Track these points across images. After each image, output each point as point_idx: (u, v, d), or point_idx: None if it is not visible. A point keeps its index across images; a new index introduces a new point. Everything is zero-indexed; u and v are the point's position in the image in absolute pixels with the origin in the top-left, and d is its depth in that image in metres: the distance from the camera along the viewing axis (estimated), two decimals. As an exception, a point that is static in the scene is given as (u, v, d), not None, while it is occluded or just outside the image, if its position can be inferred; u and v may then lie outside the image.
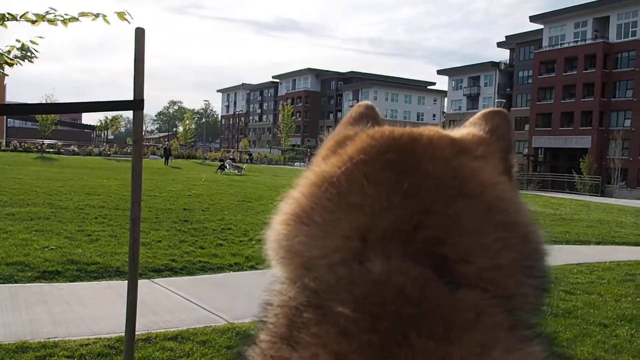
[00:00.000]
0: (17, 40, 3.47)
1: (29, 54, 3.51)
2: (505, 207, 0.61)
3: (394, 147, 0.64)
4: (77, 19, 3.22)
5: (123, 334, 4.23)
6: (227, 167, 40.79)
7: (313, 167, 0.68)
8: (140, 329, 5.17)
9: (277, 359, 0.51)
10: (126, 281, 4.04)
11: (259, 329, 0.56)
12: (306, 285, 0.55)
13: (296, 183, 0.68)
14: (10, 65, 3.37)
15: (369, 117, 0.78)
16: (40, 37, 3.49)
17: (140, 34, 3.28)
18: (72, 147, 67.30)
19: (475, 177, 0.62)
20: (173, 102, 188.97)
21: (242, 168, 41.25)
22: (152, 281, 7.45)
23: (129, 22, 3.33)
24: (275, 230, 0.65)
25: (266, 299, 0.60)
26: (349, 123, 0.78)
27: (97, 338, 5.09)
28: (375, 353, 0.48)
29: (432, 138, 0.67)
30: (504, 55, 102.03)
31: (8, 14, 3.09)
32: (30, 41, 3.50)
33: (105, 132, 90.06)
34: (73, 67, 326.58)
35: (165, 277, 7.78)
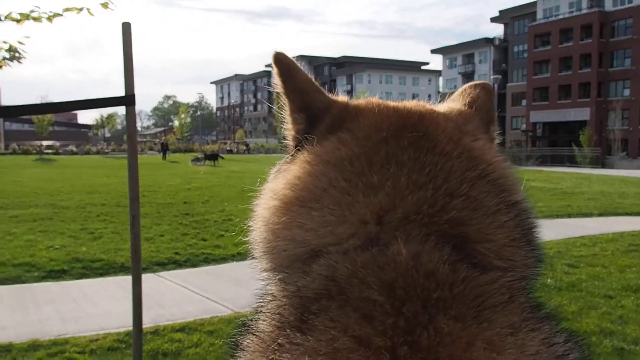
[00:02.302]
0: (4, 42, 3.47)
1: (16, 54, 3.51)
2: (509, 186, 0.63)
3: (408, 126, 0.64)
4: (61, 15, 3.23)
5: (131, 328, 4.26)
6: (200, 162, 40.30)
7: (313, 148, 0.65)
8: (148, 322, 5.21)
9: (286, 344, 0.50)
10: (131, 276, 4.07)
11: (257, 319, 0.56)
12: (321, 274, 0.54)
13: (287, 167, 0.66)
14: (-1, 67, 3.38)
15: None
16: (27, 36, 3.50)
17: (127, 28, 3.28)
18: (70, 147, 67.25)
19: (483, 157, 0.64)
20: (167, 97, 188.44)
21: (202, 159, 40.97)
22: (157, 275, 7.50)
23: (112, 10, 3.34)
24: (267, 218, 0.63)
25: (265, 291, 0.60)
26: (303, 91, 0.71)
27: (106, 333, 5.14)
28: (399, 335, 0.48)
29: (436, 118, 0.67)
30: (498, 30, 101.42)
31: (-8, 15, 3.10)
32: (18, 42, 3.50)
33: (102, 130, 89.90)
34: (65, 68, 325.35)
35: (170, 270, 7.83)
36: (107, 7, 3.27)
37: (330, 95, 0.72)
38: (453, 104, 0.78)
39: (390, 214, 0.56)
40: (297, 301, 0.54)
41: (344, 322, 0.49)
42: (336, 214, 0.57)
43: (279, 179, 0.66)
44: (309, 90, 0.70)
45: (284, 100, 0.72)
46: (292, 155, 0.71)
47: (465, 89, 0.81)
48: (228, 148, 75.29)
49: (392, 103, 0.71)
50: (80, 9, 3.23)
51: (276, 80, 0.71)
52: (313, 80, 0.72)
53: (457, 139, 0.64)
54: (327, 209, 0.58)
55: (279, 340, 0.51)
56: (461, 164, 0.61)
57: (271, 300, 0.57)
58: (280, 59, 0.70)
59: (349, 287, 0.51)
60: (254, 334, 0.54)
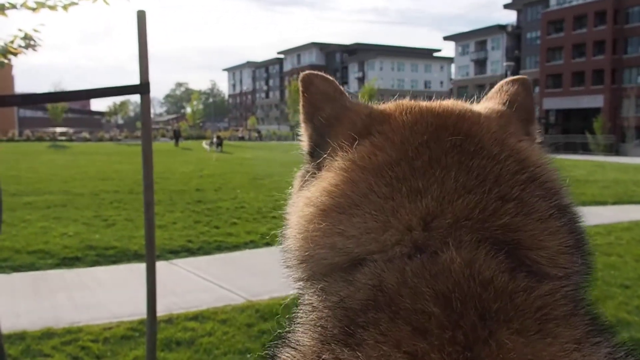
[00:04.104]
0: (20, 30, 3.45)
1: (32, 42, 3.49)
2: (558, 189, 0.61)
3: (448, 126, 0.61)
4: (77, 3, 3.20)
5: (145, 317, 4.27)
6: (213, 145, 40.68)
7: (346, 155, 0.62)
8: (161, 310, 5.22)
9: None
10: (144, 264, 4.07)
11: (294, 331, 0.53)
12: (367, 283, 0.51)
13: (317, 175, 0.63)
14: (15, 54, 3.36)
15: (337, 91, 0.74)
16: (42, 24, 3.47)
17: (141, 16, 3.24)
18: (83, 133, 67.67)
19: (531, 158, 0.61)
20: (179, 84, 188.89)
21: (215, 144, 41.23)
22: (171, 262, 7.52)
23: (128, 1, 3.30)
24: (303, 226, 0.60)
25: (303, 301, 0.57)
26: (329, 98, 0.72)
27: (119, 322, 5.16)
28: (458, 352, 0.44)
29: (477, 117, 0.65)
30: (511, 17, 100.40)
31: (8, 2, 3.08)
32: (33, 29, 3.48)
33: (115, 117, 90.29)
34: (79, 55, 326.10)
35: (183, 257, 7.85)
36: None
37: (348, 102, 0.72)
38: (491, 102, 0.74)
39: (439, 219, 0.53)
40: (341, 312, 0.50)
41: (396, 336, 0.45)
42: (379, 220, 0.54)
43: (313, 187, 0.62)
44: (320, 99, 0.71)
45: (300, 113, 0.74)
46: (313, 164, 0.69)
47: (502, 85, 0.77)
48: (240, 135, 75.31)
49: (424, 103, 0.68)
50: None
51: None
52: (331, 89, 0.72)
53: (502, 140, 0.61)
54: (369, 215, 0.54)
55: (324, 356, 0.47)
56: (510, 167, 0.57)
57: (311, 311, 0.53)
58: (303, 78, 0.72)
59: (399, 297, 0.48)
60: (293, 348, 0.51)
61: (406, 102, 0.69)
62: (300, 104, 0.72)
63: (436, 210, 0.53)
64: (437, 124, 0.62)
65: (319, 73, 0.73)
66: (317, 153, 0.68)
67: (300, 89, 0.72)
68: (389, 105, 0.70)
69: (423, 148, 0.58)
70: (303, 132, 0.74)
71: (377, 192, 0.55)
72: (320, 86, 0.72)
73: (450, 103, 0.69)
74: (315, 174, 0.66)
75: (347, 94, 0.72)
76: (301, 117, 0.73)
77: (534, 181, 0.58)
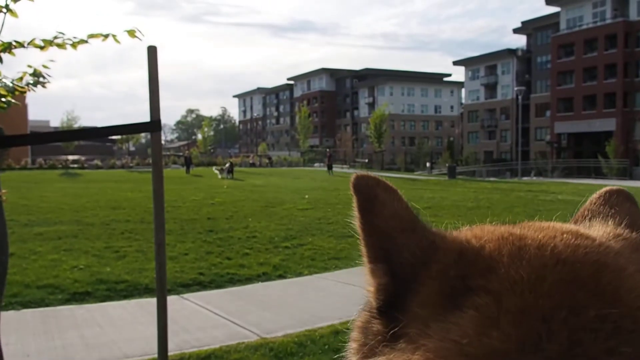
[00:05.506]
0: (29, 66, 3.37)
1: (41, 79, 3.40)
2: None
3: (585, 283, 0.40)
4: (85, 41, 3.11)
5: (156, 356, 4.13)
6: (224, 172, 40.50)
7: (439, 327, 0.40)
8: (172, 349, 5.07)
9: None
10: (155, 298, 3.94)
11: None
12: None
13: (391, 344, 0.43)
14: (23, 92, 3.27)
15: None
16: (52, 60, 3.39)
17: (152, 52, 3.17)
18: (95, 161, 68.19)
19: None
20: (191, 111, 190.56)
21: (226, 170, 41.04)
22: (182, 297, 7.37)
23: (140, 39, 3.21)
24: None
25: None
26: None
27: (129, 362, 5.01)
28: None
29: (617, 263, 0.43)
30: (521, 41, 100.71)
31: (15, 41, 2.99)
32: (43, 66, 3.39)
33: (127, 144, 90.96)
34: (92, 83, 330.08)
35: (194, 291, 7.70)
36: (134, 36, 3.13)
37: (430, 231, 0.47)
38: (608, 224, 0.51)
39: None
40: None
41: None
42: None
43: None
44: (396, 230, 0.46)
45: (361, 242, 0.49)
46: (388, 328, 0.46)
47: (605, 199, 0.56)
48: (251, 161, 75.44)
49: (536, 233, 0.45)
50: (106, 36, 3.11)
51: (355, 213, 0.48)
52: (409, 211, 0.48)
53: None
54: None
55: None
56: None
57: None
58: (359, 187, 0.48)
59: None
60: None
61: (510, 232, 0.46)
62: (361, 228, 0.48)
63: None
64: (569, 279, 0.41)
65: (381, 180, 0.48)
66: (394, 316, 0.45)
67: (358, 202, 0.48)
68: (486, 238, 0.46)
69: (557, 325, 0.38)
70: (369, 277, 0.49)
71: None
72: (390, 204, 0.47)
73: (571, 234, 0.46)
74: (389, 342, 0.44)
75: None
76: (365, 252, 0.49)
77: None
